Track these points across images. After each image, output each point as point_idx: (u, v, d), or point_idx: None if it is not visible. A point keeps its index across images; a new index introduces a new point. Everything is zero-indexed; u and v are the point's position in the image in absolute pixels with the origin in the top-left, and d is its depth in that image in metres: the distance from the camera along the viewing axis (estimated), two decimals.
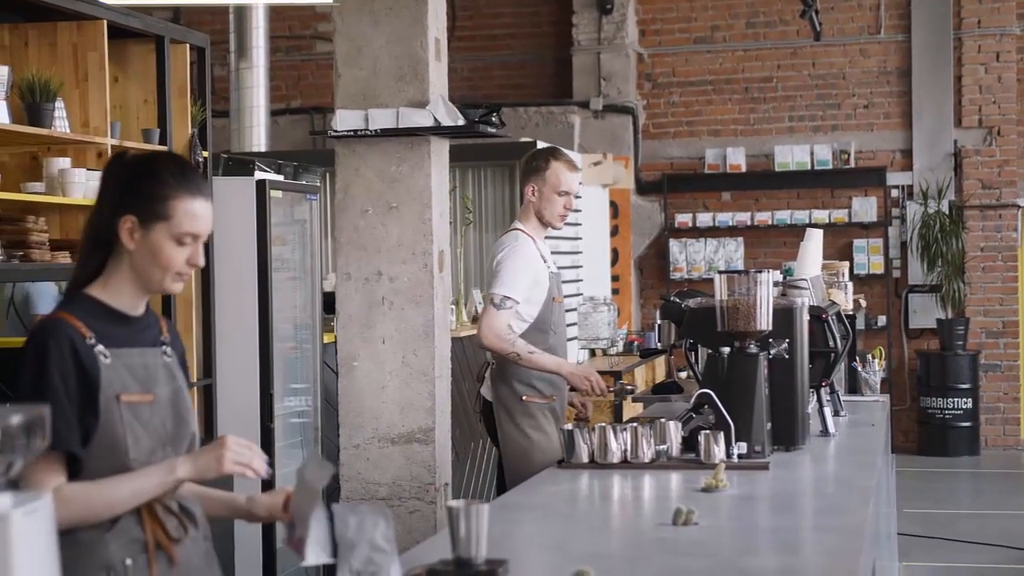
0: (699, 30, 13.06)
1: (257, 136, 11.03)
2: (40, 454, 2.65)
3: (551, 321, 5.31)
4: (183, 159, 2.95)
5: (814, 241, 6.08)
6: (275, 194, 6.67)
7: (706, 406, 4.30)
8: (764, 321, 4.35)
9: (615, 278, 12.19)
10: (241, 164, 8.97)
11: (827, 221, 12.47)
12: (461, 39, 13.09)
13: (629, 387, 4.79)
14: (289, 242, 7.03)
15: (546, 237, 5.44)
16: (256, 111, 11.06)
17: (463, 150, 7.91)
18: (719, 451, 4.13)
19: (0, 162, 5.74)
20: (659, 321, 5.34)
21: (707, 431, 4.18)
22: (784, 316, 4.51)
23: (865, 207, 12.59)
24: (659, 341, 5.40)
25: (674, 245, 12.90)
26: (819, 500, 4.02)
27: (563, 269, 6.83)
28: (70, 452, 2.68)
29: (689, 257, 12.88)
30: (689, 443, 4.26)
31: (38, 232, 5.44)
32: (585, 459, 4.22)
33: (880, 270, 12.58)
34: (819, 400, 5.00)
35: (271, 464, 2.88)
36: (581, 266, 10.29)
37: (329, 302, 6.37)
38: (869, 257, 12.58)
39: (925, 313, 12.56)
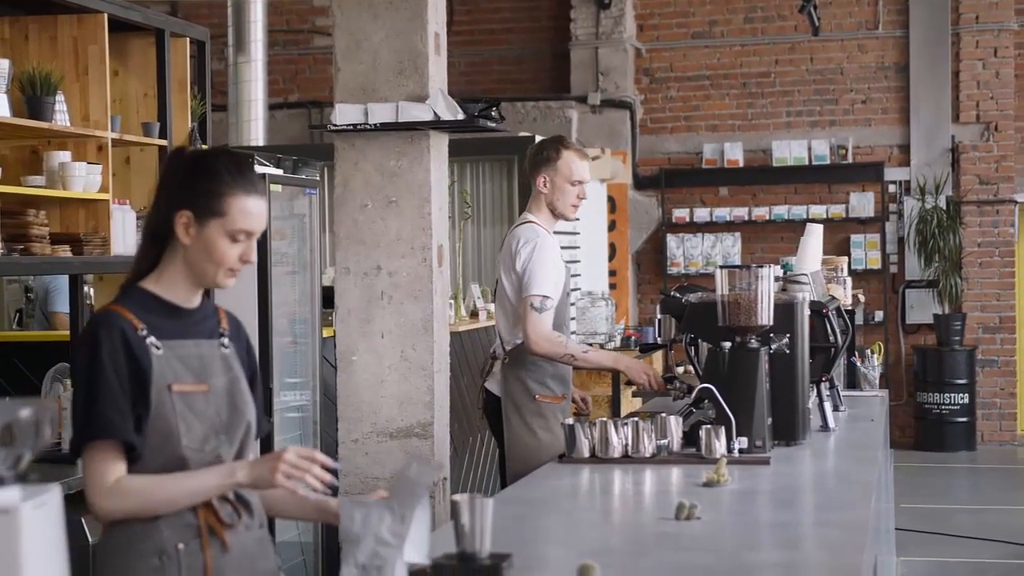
0: (697, 25, 13.06)
1: (255, 130, 10.99)
2: (95, 445, 2.71)
3: (566, 316, 5.22)
4: (240, 156, 2.95)
5: (814, 236, 6.08)
6: (274, 188, 6.66)
7: (707, 401, 4.31)
8: (765, 316, 4.35)
9: (612, 273, 12.19)
10: None
11: (824, 216, 12.46)
12: (459, 33, 13.07)
13: (682, 384, 4.76)
14: (288, 236, 7.02)
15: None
16: (254, 105, 11.02)
17: (461, 144, 7.90)
18: (720, 446, 4.14)
19: (0, 155, 5.73)
20: (659, 316, 5.32)
21: (708, 426, 4.19)
22: (785, 311, 4.51)
23: (862, 202, 12.58)
24: (659, 336, 5.37)
25: (671, 240, 12.90)
26: (820, 495, 4.03)
27: None
28: (126, 441, 2.72)
29: (686, 252, 12.87)
30: (690, 438, 4.26)
31: (38, 225, 5.44)
32: (586, 454, 4.23)
33: (877, 265, 12.58)
34: (819, 395, 5.00)
35: None
36: (578, 261, 10.28)
37: (328, 296, 6.35)
38: (866, 252, 12.57)
39: (922, 308, 12.56)
